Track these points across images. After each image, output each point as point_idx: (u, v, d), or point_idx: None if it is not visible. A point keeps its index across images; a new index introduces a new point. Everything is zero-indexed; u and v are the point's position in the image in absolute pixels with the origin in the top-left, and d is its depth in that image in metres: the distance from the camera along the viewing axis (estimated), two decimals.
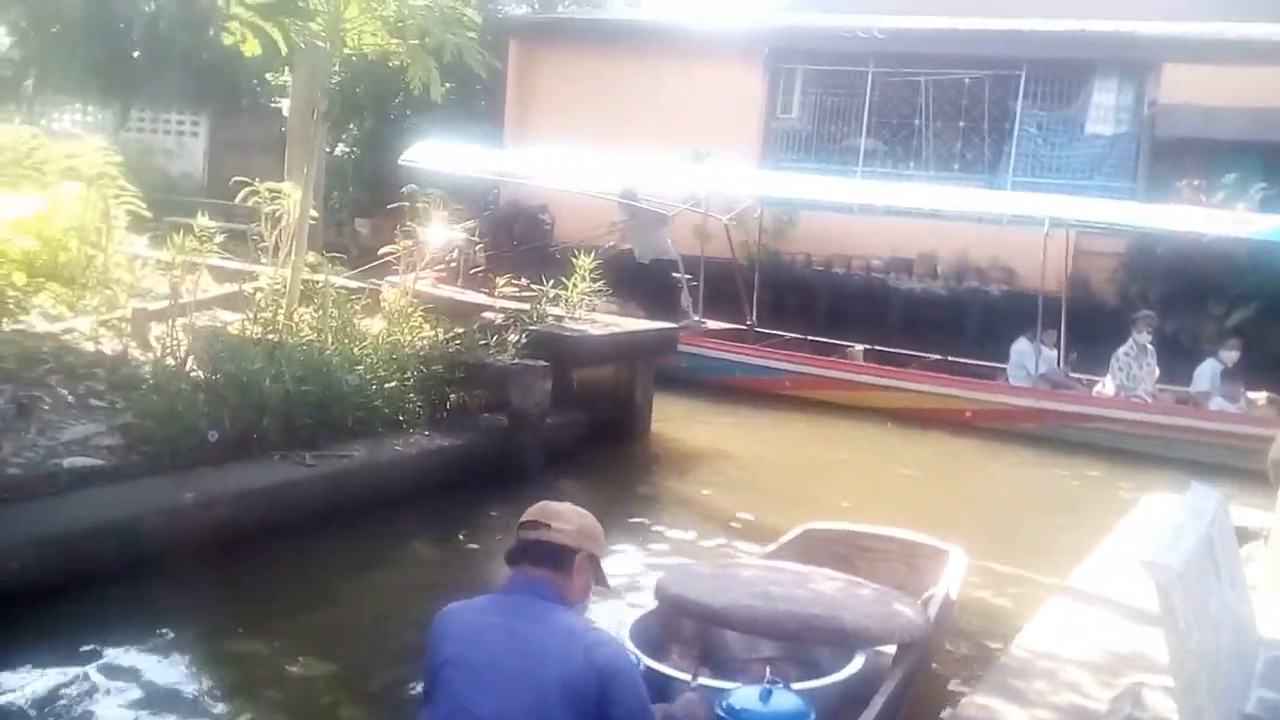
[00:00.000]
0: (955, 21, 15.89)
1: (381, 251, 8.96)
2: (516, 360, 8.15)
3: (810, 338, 13.26)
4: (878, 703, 3.97)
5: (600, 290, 10.68)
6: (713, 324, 13.22)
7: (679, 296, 13.29)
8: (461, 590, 5.81)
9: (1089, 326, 13.67)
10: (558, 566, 2.88)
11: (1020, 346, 11.77)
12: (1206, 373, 11.14)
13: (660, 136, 15.65)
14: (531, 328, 8.67)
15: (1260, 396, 10.87)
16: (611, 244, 13.76)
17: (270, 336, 7.54)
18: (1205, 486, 3.98)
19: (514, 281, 12.74)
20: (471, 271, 13.01)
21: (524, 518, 2.97)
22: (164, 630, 5.02)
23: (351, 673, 4.90)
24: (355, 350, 7.61)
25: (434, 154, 13.62)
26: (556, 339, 8.72)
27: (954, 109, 16.40)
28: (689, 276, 13.28)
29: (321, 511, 6.30)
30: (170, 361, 6.93)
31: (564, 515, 2.96)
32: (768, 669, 3.92)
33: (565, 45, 18.34)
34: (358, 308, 8.33)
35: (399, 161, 13.66)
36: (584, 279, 9.62)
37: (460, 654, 2.80)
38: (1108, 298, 14.35)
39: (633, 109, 16.73)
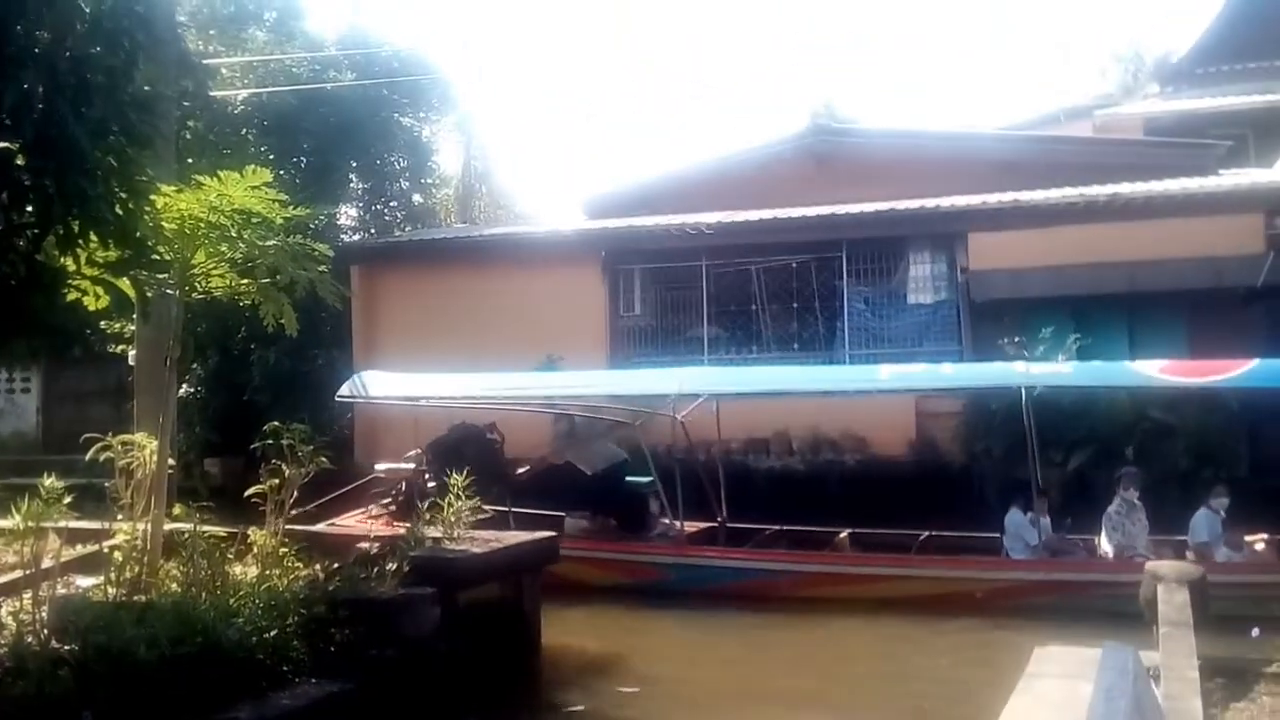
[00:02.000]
0: (776, 211, 16.71)
1: (249, 493, 8.57)
2: (401, 590, 7.82)
3: (786, 528, 12.75)
4: None
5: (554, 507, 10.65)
6: (700, 524, 12.70)
7: (648, 504, 12.87)
8: None
9: (935, 485, 14.13)
10: None
11: (1015, 518, 11.37)
12: (1204, 523, 10.79)
13: (510, 347, 15.79)
14: (412, 554, 8.36)
15: (1257, 539, 10.67)
16: (541, 456, 13.46)
17: (137, 598, 7.06)
18: (1119, 644, 4.03)
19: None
20: (423, 504, 12.62)
21: None
22: None
23: None
24: (230, 602, 7.17)
25: (373, 385, 13.29)
26: (440, 562, 8.40)
27: (786, 292, 17.10)
28: (650, 480, 12.74)
29: None
30: (30, 640, 6.38)
31: None
32: None
33: (406, 267, 18.52)
34: (229, 555, 7.90)
35: (335, 398, 13.42)
36: (460, 496, 9.37)
37: None
38: (954, 456, 14.82)
39: (480, 323, 16.89)
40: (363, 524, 12.36)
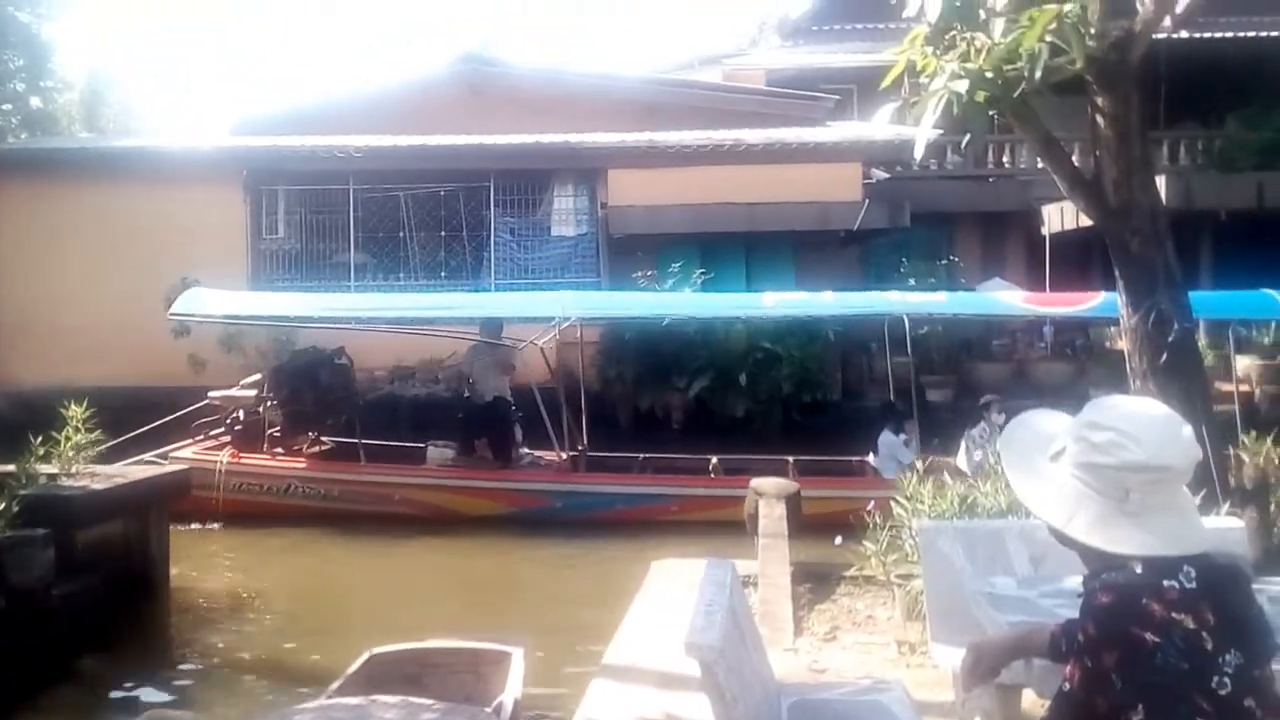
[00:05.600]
0: (426, 139, 16.36)
1: None
2: (9, 532, 7.11)
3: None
4: None
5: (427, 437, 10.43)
6: (549, 454, 12.16)
7: (514, 432, 12.19)
8: None
9: (575, 408, 14.52)
10: None
11: (888, 439, 11.48)
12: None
13: (143, 268, 14.60)
14: (23, 492, 7.60)
15: None
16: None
17: None
18: (719, 560, 4.32)
19: (320, 439, 11.43)
20: (269, 432, 11.37)
21: None
22: None
23: None
24: None
25: (208, 303, 11.72)
26: (55, 500, 7.70)
27: (435, 220, 16.83)
28: (514, 407, 12.18)
29: None
30: None
31: None
32: None
33: (24, 178, 16.53)
34: None
35: (168, 315, 11.86)
36: (78, 430, 8.60)
37: None
38: (590, 383, 15.25)
39: (110, 241, 15.50)
40: (199, 453, 11.34)
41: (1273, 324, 14.28)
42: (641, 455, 12.48)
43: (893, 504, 6.59)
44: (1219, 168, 19.24)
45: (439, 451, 12.06)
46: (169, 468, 9.43)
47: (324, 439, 12.31)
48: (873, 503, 6.77)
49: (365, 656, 5.46)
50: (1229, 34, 20.00)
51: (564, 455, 11.95)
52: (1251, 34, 19.92)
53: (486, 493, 11.53)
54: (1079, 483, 2.02)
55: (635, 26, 62.31)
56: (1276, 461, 6.63)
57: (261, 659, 7.26)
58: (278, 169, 16.55)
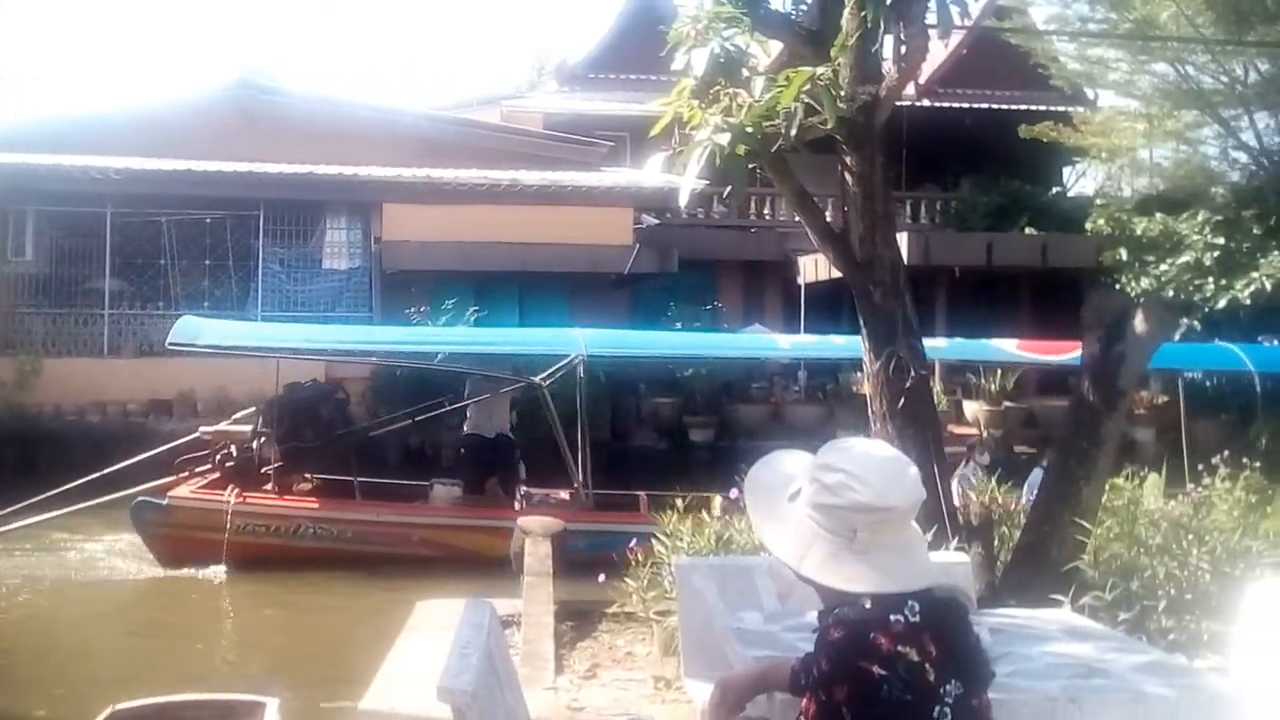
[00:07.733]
0: (193, 163, 15.55)
1: None
2: None
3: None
4: None
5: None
6: (555, 492, 11.43)
7: (520, 471, 11.47)
8: None
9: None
10: None
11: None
12: (1038, 480, 11.51)
13: None
14: None
15: None
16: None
17: None
18: (478, 600, 4.21)
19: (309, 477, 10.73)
20: (264, 470, 10.25)
21: None
22: None
23: None
24: None
25: (208, 332, 10.51)
26: None
27: (199, 248, 16.06)
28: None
29: None
30: None
31: None
32: None
33: None
34: None
35: (167, 344, 10.38)
36: None
37: None
38: (361, 418, 14.79)
39: None
40: (200, 492, 10.23)
41: (999, 371, 15.36)
42: (644, 493, 11.86)
43: (654, 540, 6.64)
44: (954, 227, 20.73)
45: (446, 490, 11.29)
46: None
47: (310, 475, 11.41)
48: (635, 540, 6.80)
49: (108, 711, 5.05)
50: (965, 105, 21.65)
51: (584, 492, 11.26)
52: (984, 105, 21.62)
53: (507, 532, 10.88)
54: (812, 522, 2.05)
55: (415, 64, 61.70)
56: (1000, 500, 7.08)
57: None
58: (27, 188, 15.33)
